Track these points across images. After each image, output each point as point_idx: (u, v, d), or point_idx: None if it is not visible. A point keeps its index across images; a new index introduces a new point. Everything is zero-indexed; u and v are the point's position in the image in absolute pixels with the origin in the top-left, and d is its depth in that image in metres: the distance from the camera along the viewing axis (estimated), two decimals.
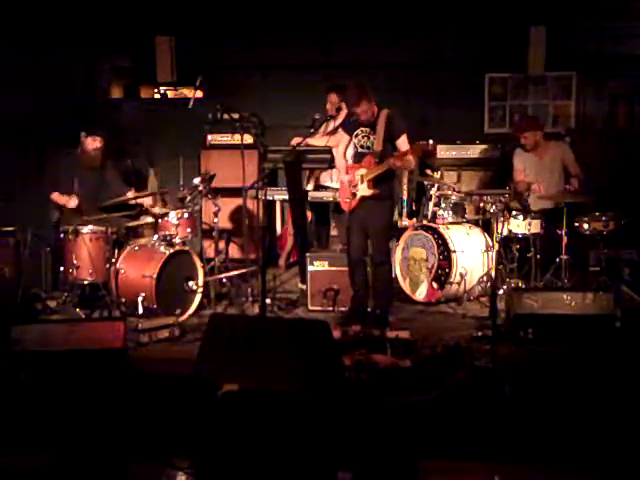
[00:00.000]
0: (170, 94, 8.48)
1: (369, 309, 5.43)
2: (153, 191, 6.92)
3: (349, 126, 5.46)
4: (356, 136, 5.37)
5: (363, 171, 5.29)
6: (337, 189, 5.90)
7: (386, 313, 5.38)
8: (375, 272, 5.42)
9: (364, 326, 4.96)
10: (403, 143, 5.26)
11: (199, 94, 6.59)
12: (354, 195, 5.36)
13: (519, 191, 6.19)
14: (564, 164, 6.38)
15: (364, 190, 5.29)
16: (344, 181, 5.46)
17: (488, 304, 5.60)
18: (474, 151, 7.50)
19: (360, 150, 5.36)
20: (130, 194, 6.09)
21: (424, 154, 5.51)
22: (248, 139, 6.70)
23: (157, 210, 6.06)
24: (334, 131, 6.18)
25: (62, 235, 5.72)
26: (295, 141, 6.04)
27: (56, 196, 6.13)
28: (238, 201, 6.60)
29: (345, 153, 5.50)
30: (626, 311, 4.94)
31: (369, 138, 5.30)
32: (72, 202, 6.03)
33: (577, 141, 7.52)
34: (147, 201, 6.19)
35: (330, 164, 6.27)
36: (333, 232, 7.04)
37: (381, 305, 5.38)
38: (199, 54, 7.96)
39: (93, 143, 6.22)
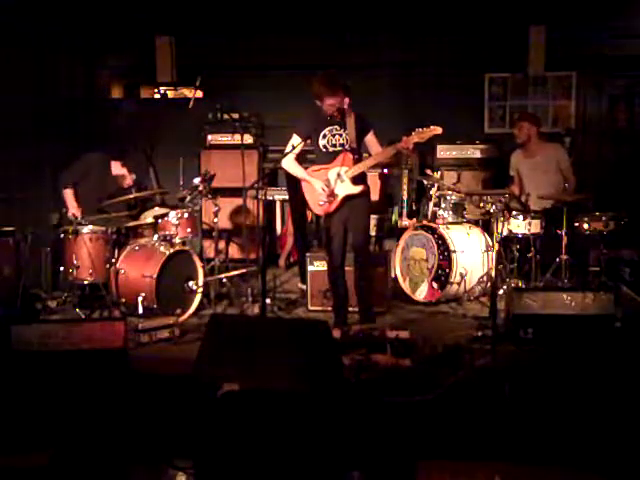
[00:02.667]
0: (170, 94, 8.47)
1: (357, 309, 5.32)
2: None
3: (309, 129, 5.11)
4: (324, 137, 5.05)
5: (344, 169, 5.01)
6: None
7: (373, 308, 5.32)
8: (362, 271, 5.21)
9: (348, 329, 4.95)
10: (373, 138, 5.13)
11: (199, 94, 6.59)
12: (335, 195, 5.06)
13: (514, 196, 6.22)
14: (559, 167, 6.36)
15: (349, 188, 5.03)
16: (316, 184, 5.07)
17: (488, 304, 5.60)
18: (474, 151, 7.52)
19: (332, 150, 5.06)
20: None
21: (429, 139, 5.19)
22: (248, 139, 6.70)
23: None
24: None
25: (62, 235, 5.73)
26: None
27: (68, 193, 6.15)
28: (238, 201, 6.61)
29: (295, 158, 5.17)
30: (626, 311, 4.94)
31: (341, 135, 5.05)
32: (74, 211, 6.03)
33: (577, 141, 7.54)
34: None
35: None
36: None
37: (371, 302, 5.29)
38: (199, 54, 7.95)
39: (130, 182, 6.48)
